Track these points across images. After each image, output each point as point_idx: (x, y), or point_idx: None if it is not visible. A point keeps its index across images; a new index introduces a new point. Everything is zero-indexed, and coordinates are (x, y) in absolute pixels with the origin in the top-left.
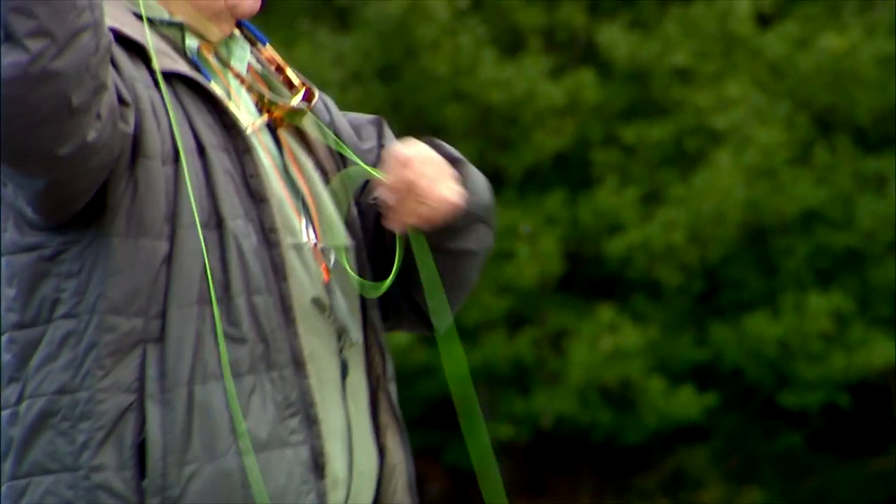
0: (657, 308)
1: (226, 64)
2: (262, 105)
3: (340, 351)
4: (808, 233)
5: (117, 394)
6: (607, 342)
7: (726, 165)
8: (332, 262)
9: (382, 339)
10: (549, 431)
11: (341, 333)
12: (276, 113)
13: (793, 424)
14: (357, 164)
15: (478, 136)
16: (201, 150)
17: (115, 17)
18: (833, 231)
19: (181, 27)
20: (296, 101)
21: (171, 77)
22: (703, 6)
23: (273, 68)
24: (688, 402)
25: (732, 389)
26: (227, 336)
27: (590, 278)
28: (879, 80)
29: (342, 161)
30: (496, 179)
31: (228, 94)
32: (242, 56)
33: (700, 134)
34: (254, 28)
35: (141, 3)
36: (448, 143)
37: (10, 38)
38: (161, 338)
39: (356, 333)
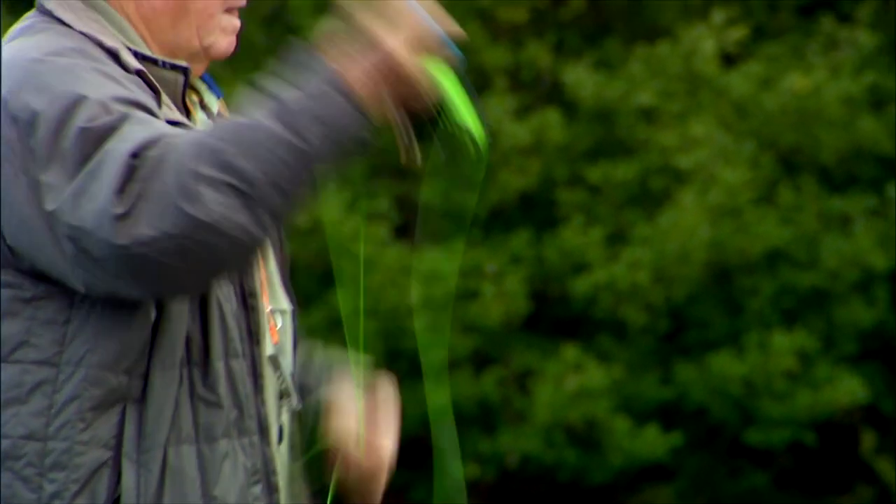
0: (622, 347)
1: (208, 112)
2: None
3: (279, 415)
4: (773, 272)
5: (96, 448)
6: (572, 381)
7: (691, 205)
8: (279, 324)
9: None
10: (515, 471)
11: (282, 395)
12: None
13: (759, 464)
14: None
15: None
16: None
17: (119, 46)
18: (798, 270)
19: (185, 71)
20: None
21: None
22: (668, 46)
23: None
24: (653, 442)
25: (698, 428)
26: (204, 400)
27: (555, 318)
28: (844, 119)
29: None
30: (457, 218)
31: None
32: (212, 103)
33: (665, 173)
34: (211, 80)
35: (141, 44)
36: (415, 182)
37: (256, 206)
38: (142, 398)
39: (296, 399)
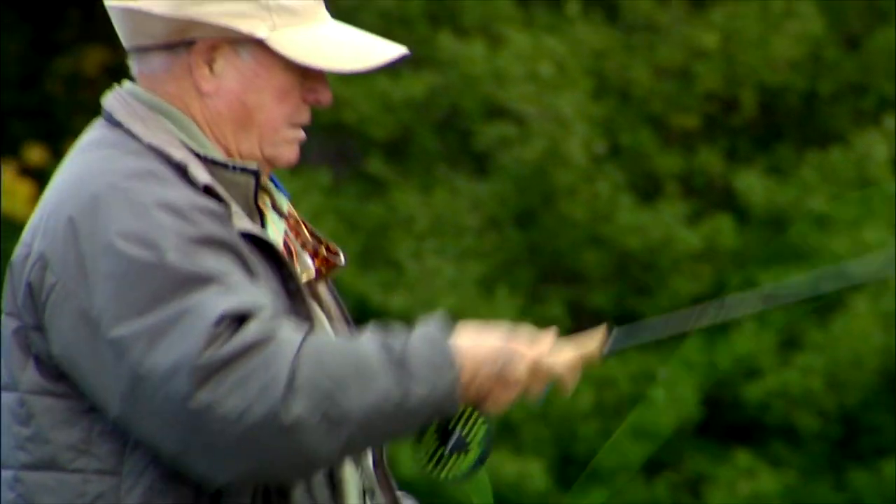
0: (795, 453)
1: (281, 213)
2: (316, 258)
3: None
4: None
5: None
6: (745, 487)
7: (864, 311)
8: None
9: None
10: None
11: (366, 493)
12: (324, 268)
13: None
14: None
15: (615, 281)
16: None
17: (187, 157)
18: None
19: (256, 174)
20: (342, 258)
21: (243, 237)
22: (840, 151)
23: (292, 223)
24: None
25: None
26: None
27: (727, 423)
28: None
29: (350, 323)
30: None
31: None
32: (283, 203)
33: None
34: (277, 181)
35: (210, 150)
36: (586, 288)
37: (337, 438)
38: None
39: (380, 495)
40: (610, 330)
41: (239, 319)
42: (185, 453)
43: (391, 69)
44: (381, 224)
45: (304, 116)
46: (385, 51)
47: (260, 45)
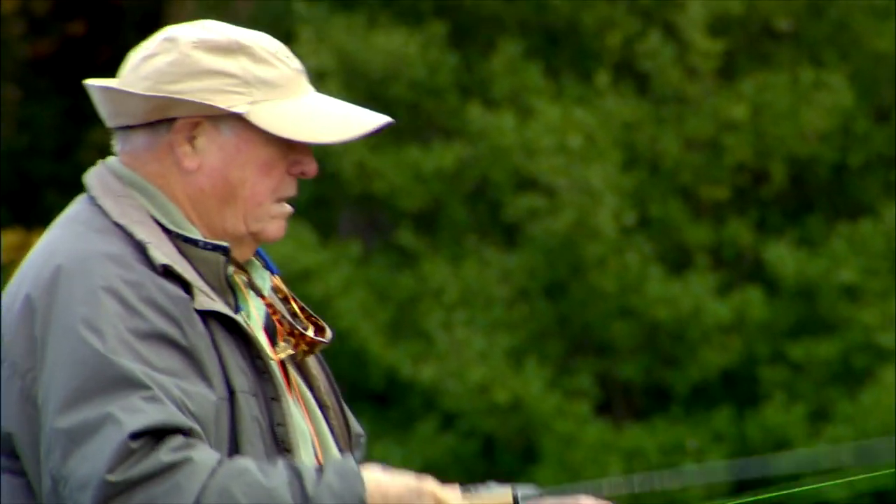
0: None
1: (257, 291)
2: (293, 336)
3: None
4: None
5: None
6: None
7: (893, 383)
8: None
9: None
10: None
11: None
12: (301, 346)
13: None
14: None
15: (645, 352)
16: (231, 394)
17: (151, 236)
18: None
19: (226, 251)
20: (328, 335)
21: (208, 314)
22: (871, 223)
23: (280, 297)
24: None
25: None
26: None
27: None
28: None
29: (337, 395)
30: (663, 396)
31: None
32: (264, 284)
33: (867, 351)
34: (266, 255)
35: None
36: (615, 360)
37: None
38: None
39: None
40: (514, 493)
41: (158, 435)
42: None
43: (422, 141)
44: (411, 295)
45: (290, 189)
46: (368, 120)
47: (241, 119)
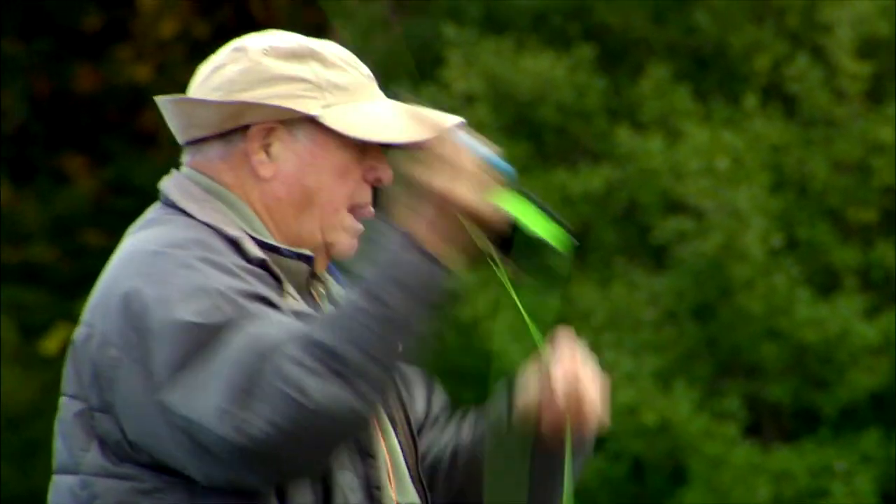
0: None
1: (335, 303)
2: None
3: None
4: None
5: None
6: None
7: None
8: None
9: None
10: None
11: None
12: None
13: None
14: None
15: (793, 374)
16: None
17: (242, 234)
18: None
19: (309, 260)
20: None
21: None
22: None
23: None
24: None
25: None
26: None
27: None
28: None
29: (405, 410)
30: (812, 418)
31: None
32: (339, 298)
33: None
34: (336, 271)
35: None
36: (763, 381)
37: (355, 382)
38: None
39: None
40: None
41: (260, 345)
42: (263, 480)
43: (570, 164)
44: (559, 317)
45: (366, 196)
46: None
47: (314, 124)
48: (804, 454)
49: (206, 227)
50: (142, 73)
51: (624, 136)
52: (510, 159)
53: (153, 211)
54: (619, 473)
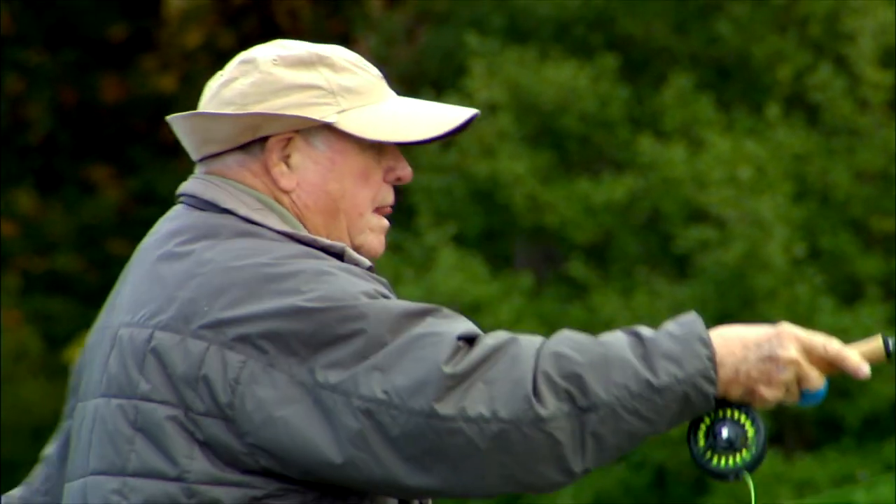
0: None
1: None
2: None
3: None
4: None
5: None
6: None
7: None
8: None
9: None
10: None
11: None
12: None
13: None
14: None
15: None
16: None
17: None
18: None
19: (342, 253)
20: None
21: None
22: None
23: None
24: None
25: None
26: None
27: None
28: None
29: None
30: (835, 427)
31: None
32: None
33: None
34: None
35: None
36: None
37: (585, 420)
38: None
39: None
40: (884, 337)
41: (470, 340)
42: (432, 476)
43: (593, 173)
44: (581, 327)
45: (388, 197)
46: (454, 116)
47: (331, 130)
48: (827, 463)
49: (283, 236)
50: (167, 83)
51: (647, 145)
52: (533, 169)
53: (209, 218)
54: (642, 482)
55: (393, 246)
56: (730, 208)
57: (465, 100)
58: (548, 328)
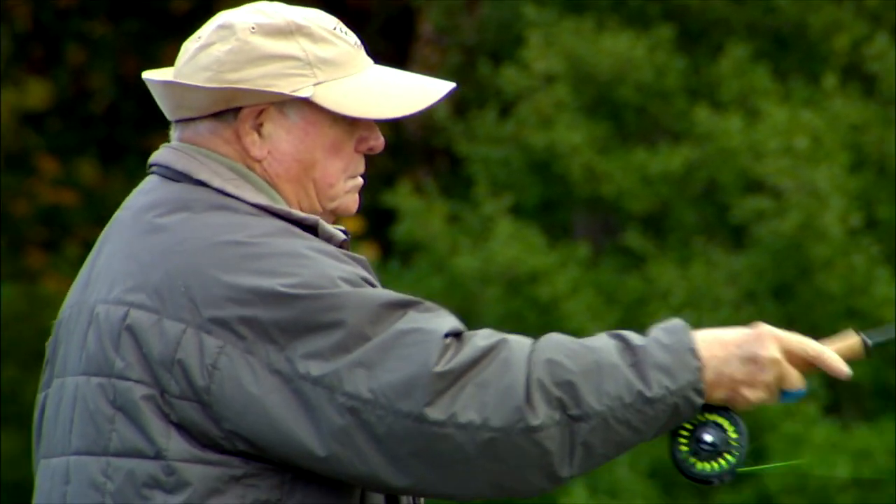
0: None
1: None
2: None
3: None
4: None
5: None
6: None
7: None
8: None
9: None
10: None
11: None
12: None
13: None
14: None
15: (874, 354)
16: None
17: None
18: None
19: (316, 226)
20: None
21: None
22: None
23: None
24: None
25: None
26: None
27: None
28: None
29: None
30: (892, 397)
31: None
32: None
33: None
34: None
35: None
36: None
37: (575, 429)
38: None
39: None
40: (862, 336)
41: (457, 335)
42: (418, 478)
43: (649, 143)
44: (638, 297)
45: (359, 167)
46: (432, 89)
47: (306, 102)
48: (883, 433)
49: (259, 210)
50: None
51: (703, 115)
52: (590, 139)
53: (177, 187)
54: None
55: (450, 216)
56: (786, 178)
57: (522, 71)
58: (605, 298)
